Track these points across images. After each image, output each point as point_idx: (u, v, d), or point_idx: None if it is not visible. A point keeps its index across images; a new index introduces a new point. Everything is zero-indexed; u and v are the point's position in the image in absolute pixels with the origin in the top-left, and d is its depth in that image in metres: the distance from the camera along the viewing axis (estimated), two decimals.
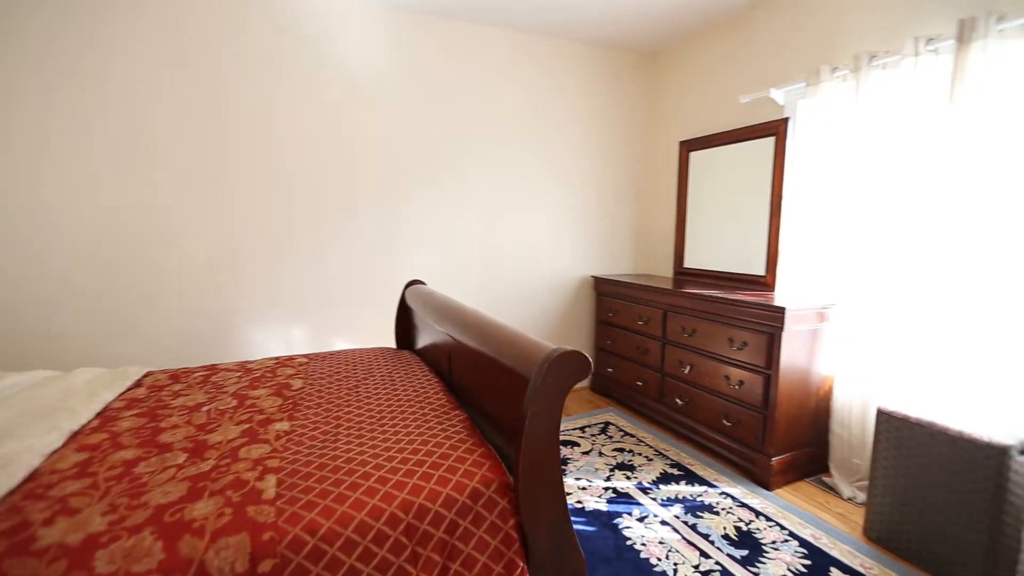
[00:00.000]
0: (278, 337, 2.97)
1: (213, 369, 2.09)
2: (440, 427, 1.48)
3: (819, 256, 2.59)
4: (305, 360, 2.21)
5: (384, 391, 1.82)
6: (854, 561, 1.92)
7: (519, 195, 3.50)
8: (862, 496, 2.33)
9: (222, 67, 2.65)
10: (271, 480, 1.18)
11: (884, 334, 2.30)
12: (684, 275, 3.54)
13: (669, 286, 3.12)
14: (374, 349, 2.45)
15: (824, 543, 2.02)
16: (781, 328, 2.35)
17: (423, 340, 2.48)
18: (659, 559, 1.92)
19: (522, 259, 3.59)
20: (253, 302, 2.87)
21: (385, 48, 3.02)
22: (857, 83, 2.32)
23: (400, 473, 1.23)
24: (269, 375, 1.98)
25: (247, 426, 1.52)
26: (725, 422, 2.66)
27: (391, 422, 1.54)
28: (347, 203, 3.03)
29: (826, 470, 2.55)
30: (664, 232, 3.76)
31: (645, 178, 3.94)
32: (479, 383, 1.66)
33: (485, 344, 1.45)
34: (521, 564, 1.17)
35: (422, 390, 1.80)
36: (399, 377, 1.97)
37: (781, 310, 2.34)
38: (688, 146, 3.43)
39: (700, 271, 3.40)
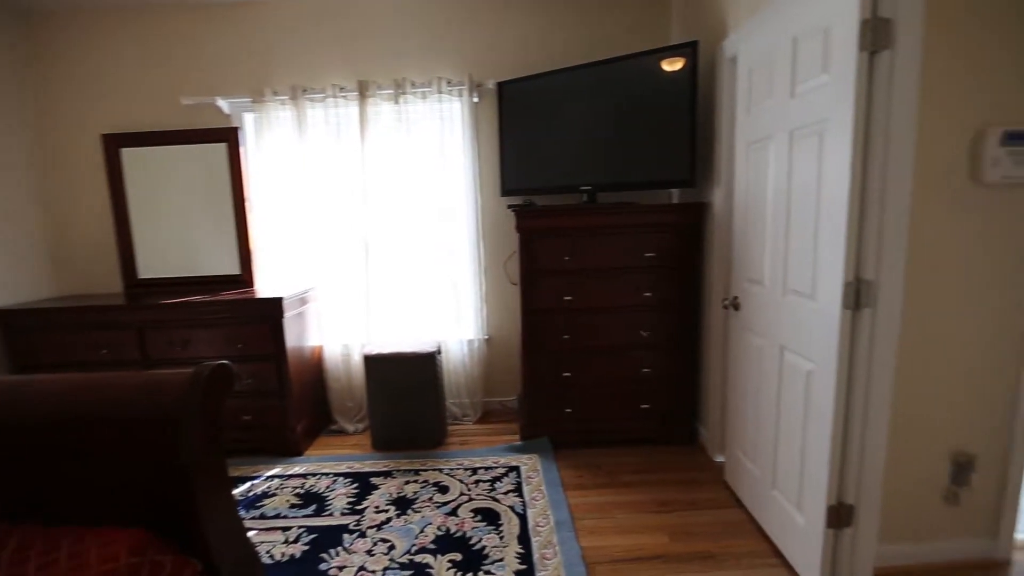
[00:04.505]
0: None
1: None
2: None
3: (293, 250, 3.06)
4: None
5: None
6: (378, 466, 2.64)
7: None
8: (362, 426, 3.10)
9: None
10: None
11: (350, 303, 3.09)
12: (142, 287, 3.14)
13: (123, 302, 2.75)
14: None
15: (357, 467, 2.64)
16: (282, 316, 2.70)
17: None
18: None
19: None
20: None
21: None
22: (296, 109, 2.88)
23: None
24: None
25: None
26: (245, 417, 2.77)
27: None
28: None
29: (332, 420, 3.17)
30: (100, 242, 3.13)
31: (55, 177, 3.08)
32: (56, 450, 1.13)
33: (69, 401, 1.07)
34: None
35: None
36: None
37: (279, 300, 2.67)
38: (118, 141, 2.99)
39: (163, 280, 3.13)
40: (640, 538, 2.00)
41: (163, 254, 3.12)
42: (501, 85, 2.85)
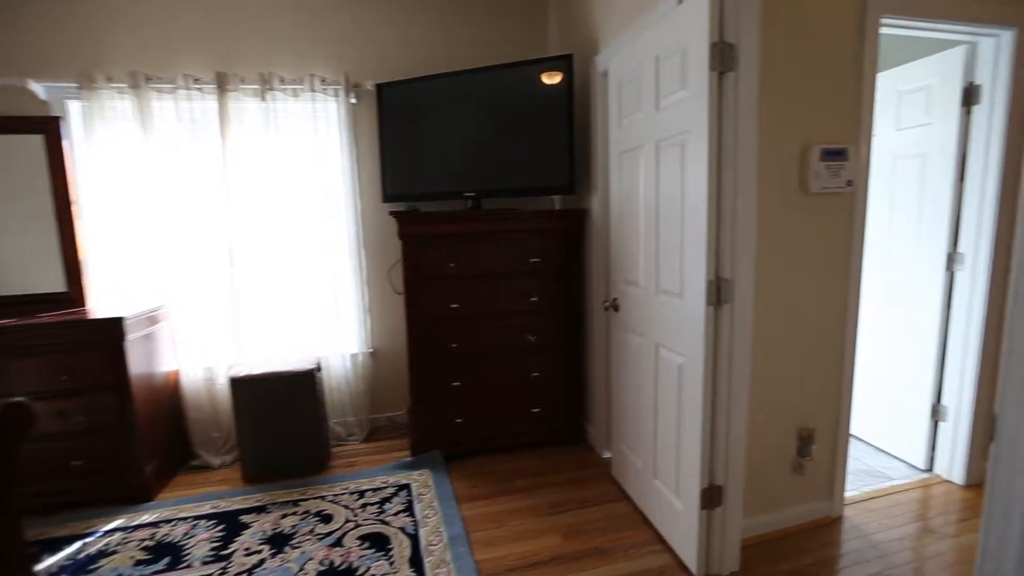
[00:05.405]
0: None
1: None
2: None
3: (138, 262, 2.63)
4: None
5: None
6: (249, 501, 2.36)
7: None
8: (230, 458, 2.75)
9: None
10: None
11: (213, 320, 2.74)
12: None
13: None
14: None
15: (223, 506, 2.33)
16: (122, 339, 2.31)
17: None
18: None
19: None
20: None
21: None
22: (138, 100, 2.50)
23: None
24: None
25: None
26: (75, 462, 2.31)
27: None
28: None
29: (193, 455, 2.77)
30: None
31: None
32: None
33: None
34: None
35: None
36: None
37: (119, 320, 2.29)
38: None
39: None
40: (534, 543, 2.00)
41: None
42: (380, 87, 2.74)
